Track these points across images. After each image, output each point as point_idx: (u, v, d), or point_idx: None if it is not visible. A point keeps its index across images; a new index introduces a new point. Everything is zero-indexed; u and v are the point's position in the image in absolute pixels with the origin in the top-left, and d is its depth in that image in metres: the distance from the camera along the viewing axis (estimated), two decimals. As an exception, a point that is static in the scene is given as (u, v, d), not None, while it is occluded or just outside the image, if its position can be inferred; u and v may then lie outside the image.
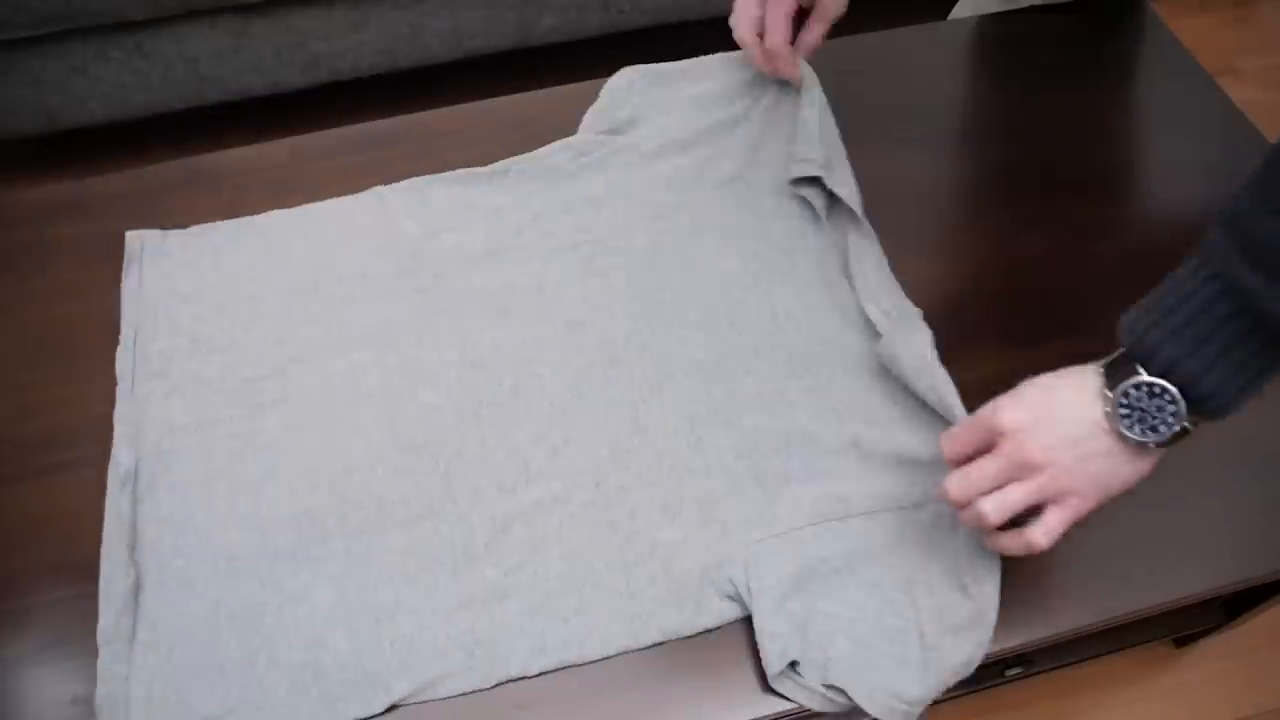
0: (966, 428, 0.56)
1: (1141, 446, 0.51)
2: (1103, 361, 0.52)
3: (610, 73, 0.86)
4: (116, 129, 1.41)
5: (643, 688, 0.58)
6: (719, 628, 0.60)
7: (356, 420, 0.67)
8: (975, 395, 0.69)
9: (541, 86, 0.86)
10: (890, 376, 0.68)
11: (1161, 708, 1.02)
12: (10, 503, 0.64)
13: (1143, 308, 0.51)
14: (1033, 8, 0.92)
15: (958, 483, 0.55)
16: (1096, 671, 1.02)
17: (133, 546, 0.61)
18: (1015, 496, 0.53)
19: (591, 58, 1.32)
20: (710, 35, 1.55)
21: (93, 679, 0.57)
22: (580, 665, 0.59)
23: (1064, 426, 0.52)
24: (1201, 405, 0.49)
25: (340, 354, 0.70)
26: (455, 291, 0.73)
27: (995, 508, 0.53)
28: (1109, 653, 0.91)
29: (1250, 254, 0.45)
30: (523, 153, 0.81)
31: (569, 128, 0.83)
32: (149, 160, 0.82)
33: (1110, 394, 0.51)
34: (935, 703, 0.58)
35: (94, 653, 0.58)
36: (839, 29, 0.78)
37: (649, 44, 1.46)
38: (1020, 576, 0.61)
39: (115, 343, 0.71)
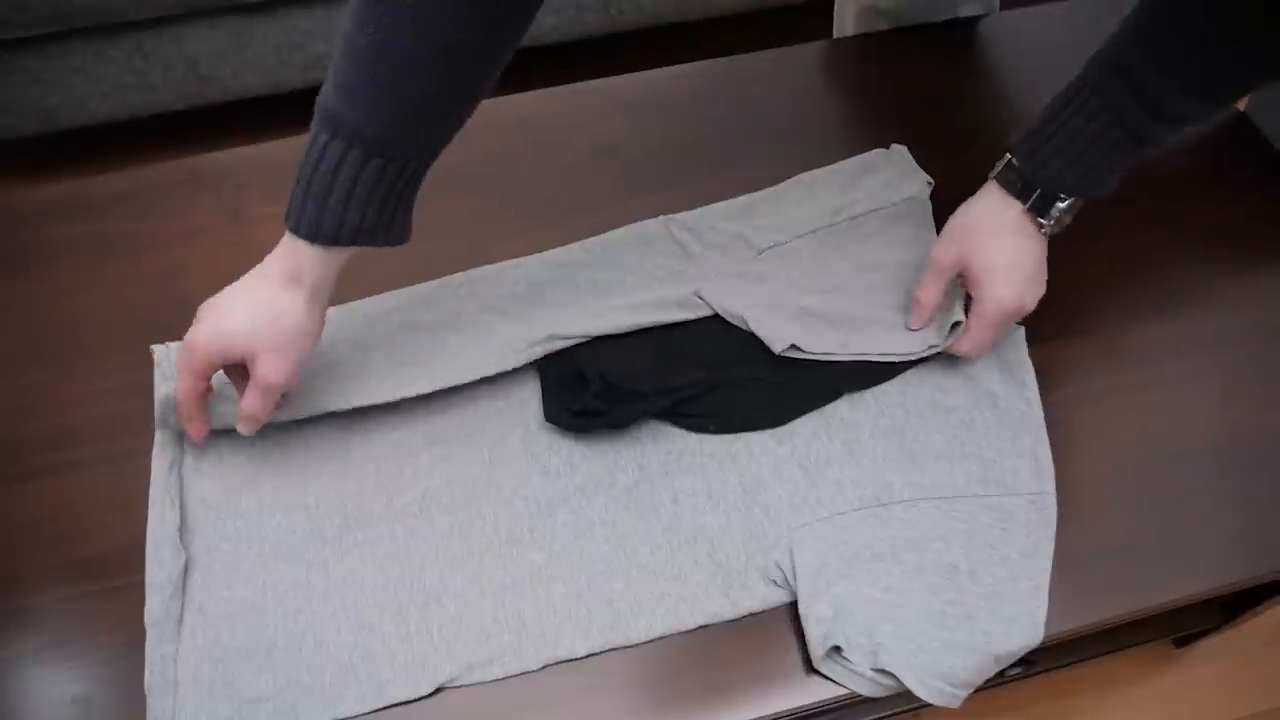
0: (932, 280, 0.67)
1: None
2: (1028, 204, 0.63)
3: (610, 73, 0.86)
4: (116, 129, 1.41)
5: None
6: (763, 612, 0.60)
7: (401, 408, 0.67)
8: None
9: (541, 86, 0.86)
10: (928, 369, 0.69)
11: (1161, 708, 1.02)
12: (10, 503, 0.64)
13: (1050, 146, 0.61)
14: (1028, 8, 0.92)
15: (971, 352, 0.67)
16: (1096, 671, 1.02)
17: (181, 530, 0.61)
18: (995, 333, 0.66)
19: (591, 58, 1.33)
20: (710, 35, 1.56)
21: (93, 679, 0.58)
22: (626, 648, 0.59)
23: (1027, 269, 0.64)
24: (1088, 194, 0.63)
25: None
26: (501, 277, 0.73)
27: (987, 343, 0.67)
28: (1109, 653, 0.91)
29: (1148, 105, 0.58)
30: (523, 152, 0.81)
31: (569, 127, 0.83)
32: (149, 160, 0.82)
33: (1044, 222, 0.63)
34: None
35: (94, 653, 0.58)
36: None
37: (649, 44, 1.46)
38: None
39: (115, 343, 0.71)
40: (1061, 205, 0.63)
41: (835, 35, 1.02)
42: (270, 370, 0.56)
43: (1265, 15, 0.54)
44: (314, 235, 0.54)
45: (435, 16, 0.50)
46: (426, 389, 0.66)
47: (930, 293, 0.67)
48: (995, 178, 0.65)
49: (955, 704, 0.57)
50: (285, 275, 0.56)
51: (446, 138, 0.56)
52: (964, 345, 0.66)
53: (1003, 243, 0.64)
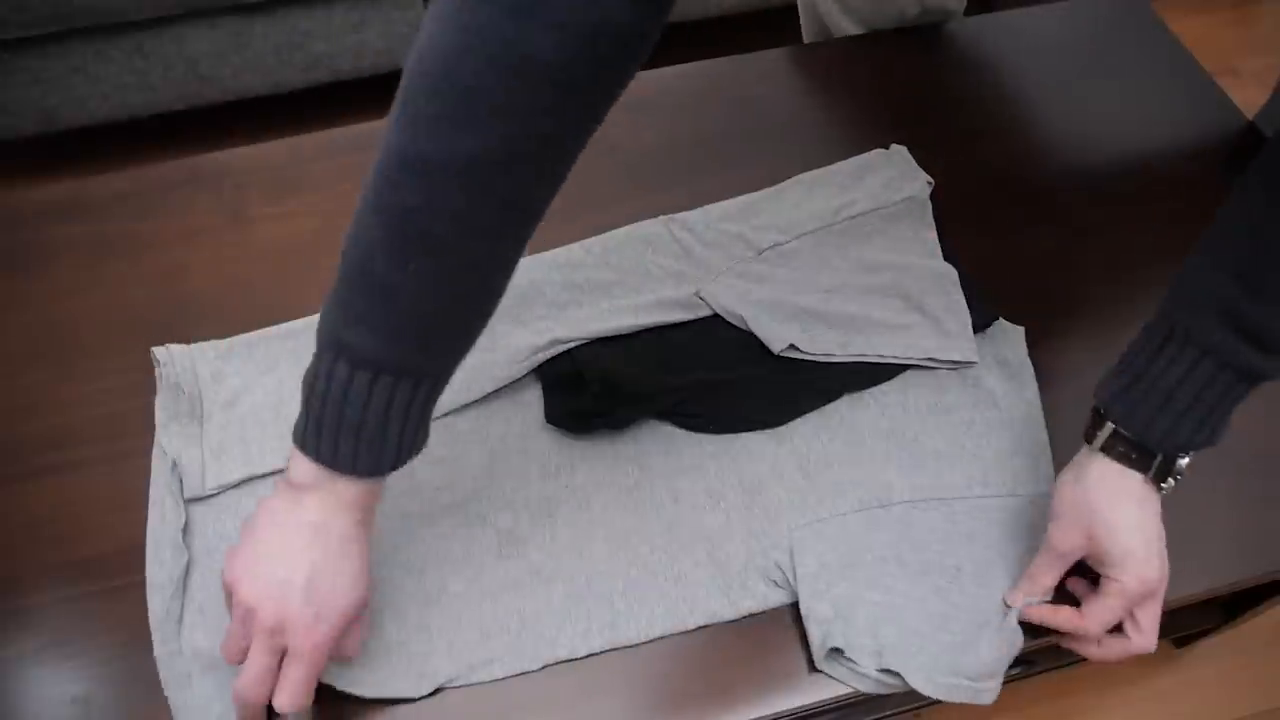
0: (1107, 603, 0.57)
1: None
2: (1150, 473, 0.56)
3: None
4: (116, 129, 1.41)
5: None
6: (763, 612, 0.60)
7: None
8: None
9: (541, 86, 0.86)
10: (927, 369, 0.69)
11: (1161, 708, 1.01)
12: (10, 503, 0.64)
13: (1149, 404, 0.55)
14: (1027, 8, 0.92)
15: (1094, 628, 0.57)
16: (1096, 671, 1.02)
17: (184, 530, 0.61)
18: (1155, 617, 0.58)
19: (591, 58, 1.32)
20: (710, 35, 1.56)
21: (93, 679, 0.57)
22: (626, 648, 0.59)
23: (1161, 538, 0.57)
24: (1206, 446, 0.56)
25: None
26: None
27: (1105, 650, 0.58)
28: (1109, 653, 0.91)
29: (1255, 341, 0.52)
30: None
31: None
32: (149, 160, 0.82)
33: (1165, 486, 0.57)
34: (934, 703, 0.58)
35: (94, 653, 0.58)
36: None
37: (649, 44, 1.46)
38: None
39: (115, 343, 0.71)
40: (1184, 463, 0.56)
41: (805, 34, 1.02)
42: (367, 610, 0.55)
43: None
44: (395, 465, 0.52)
45: (475, 245, 0.48)
46: (439, 413, 0.66)
47: (1048, 578, 0.59)
48: (1101, 449, 0.57)
49: (987, 699, 0.57)
50: (360, 522, 0.52)
51: (475, 339, 0.53)
52: (1094, 622, 0.57)
53: (1130, 518, 0.56)
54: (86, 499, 0.64)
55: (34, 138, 1.38)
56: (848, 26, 0.94)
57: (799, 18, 1.02)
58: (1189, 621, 0.93)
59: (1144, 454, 0.56)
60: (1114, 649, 0.58)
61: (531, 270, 0.73)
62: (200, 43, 1.31)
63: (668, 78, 0.88)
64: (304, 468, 0.51)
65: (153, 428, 0.65)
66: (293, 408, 0.66)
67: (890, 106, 0.86)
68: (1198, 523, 0.64)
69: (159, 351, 0.68)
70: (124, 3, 1.22)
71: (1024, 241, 0.77)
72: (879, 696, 0.58)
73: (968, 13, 0.94)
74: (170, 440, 0.64)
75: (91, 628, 0.59)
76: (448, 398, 0.66)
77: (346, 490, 0.51)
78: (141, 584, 0.60)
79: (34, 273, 0.75)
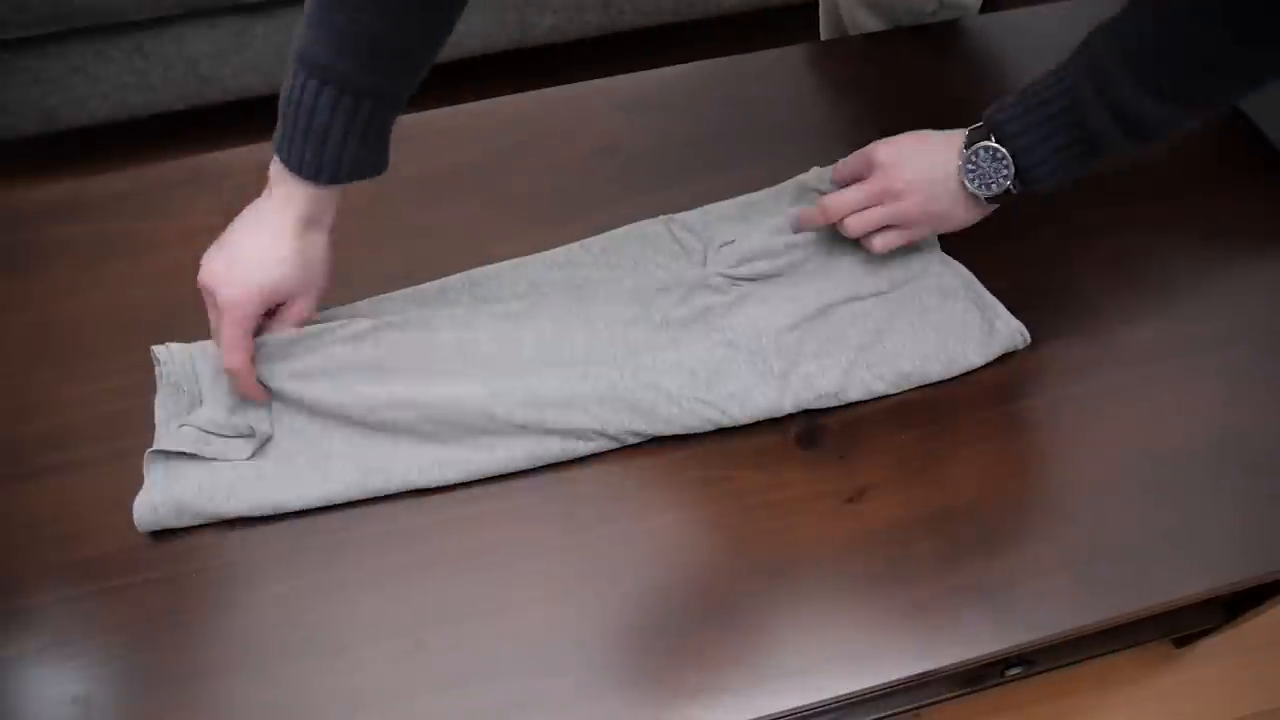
0: (851, 158, 0.71)
1: (974, 199, 0.66)
2: (969, 128, 0.66)
3: (610, 73, 0.86)
4: (116, 129, 1.41)
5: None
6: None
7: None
8: (973, 394, 0.69)
9: (541, 86, 0.86)
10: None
11: (1161, 708, 1.02)
12: (10, 503, 0.64)
13: (1011, 99, 0.65)
14: (1028, 8, 0.92)
15: (833, 201, 0.69)
16: (1096, 671, 1.02)
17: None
18: (874, 216, 0.68)
19: (591, 58, 1.33)
20: (710, 35, 1.56)
21: (93, 679, 0.57)
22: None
23: (927, 170, 0.67)
24: (1025, 174, 0.64)
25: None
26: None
27: (857, 223, 0.69)
28: (1109, 653, 0.91)
29: (1106, 102, 0.61)
30: (523, 152, 0.81)
31: (569, 127, 0.83)
32: (149, 160, 0.82)
33: (965, 150, 0.65)
34: (934, 703, 0.58)
35: (94, 653, 0.58)
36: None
37: (649, 44, 1.46)
38: (1020, 576, 0.61)
39: (116, 343, 0.71)
40: (988, 144, 0.64)
41: (822, 30, 1.02)
42: (308, 308, 0.64)
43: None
44: (334, 177, 0.59)
45: None
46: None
47: (838, 169, 0.73)
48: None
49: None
50: (305, 220, 0.60)
51: (424, 72, 0.62)
52: (839, 200, 0.69)
53: (916, 147, 0.68)
54: (87, 499, 0.64)
55: (34, 138, 1.38)
56: (864, 22, 0.94)
57: (801, 18, 1.03)
58: (1189, 621, 0.93)
59: (979, 124, 0.66)
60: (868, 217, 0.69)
61: (531, 270, 0.73)
62: (200, 43, 1.31)
63: (667, 78, 0.88)
64: (276, 167, 0.60)
65: (153, 427, 0.65)
66: (292, 408, 0.67)
67: (889, 106, 0.86)
68: (1198, 522, 0.64)
69: (159, 350, 0.68)
70: (124, 3, 1.22)
71: (1024, 241, 0.77)
72: (879, 697, 0.58)
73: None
74: (170, 440, 0.64)
75: (92, 628, 0.59)
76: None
77: (297, 190, 0.60)
78: (141, 584, 0.60)
79: (34, 273, 0.75)
